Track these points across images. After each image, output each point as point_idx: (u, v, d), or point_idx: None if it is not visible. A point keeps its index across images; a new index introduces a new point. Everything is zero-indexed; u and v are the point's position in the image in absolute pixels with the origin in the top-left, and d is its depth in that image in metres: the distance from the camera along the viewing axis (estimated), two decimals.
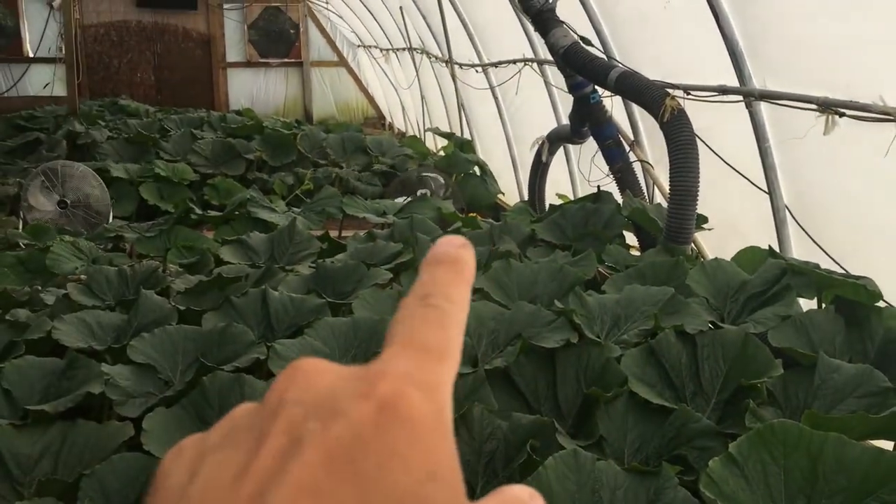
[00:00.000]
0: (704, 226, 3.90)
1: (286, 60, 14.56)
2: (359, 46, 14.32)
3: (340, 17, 13.87)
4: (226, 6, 14.01)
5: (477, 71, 7.55)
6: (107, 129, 9.30)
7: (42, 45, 13.41)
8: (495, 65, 7.00)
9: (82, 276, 3.91)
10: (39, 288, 3.88)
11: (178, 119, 9.86)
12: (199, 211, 5.80)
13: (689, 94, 3.94)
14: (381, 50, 12.46)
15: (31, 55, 13.50)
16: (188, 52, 14.17)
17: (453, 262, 0.38)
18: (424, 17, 8.99)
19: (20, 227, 6.32)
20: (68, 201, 6.54)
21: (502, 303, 3.23)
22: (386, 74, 12.79)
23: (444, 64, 8.74)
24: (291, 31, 14.44)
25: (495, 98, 7.40)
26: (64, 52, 11.40)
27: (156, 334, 3.04)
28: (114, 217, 6.89)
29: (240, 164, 8.49)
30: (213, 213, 6.05)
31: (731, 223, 4.27)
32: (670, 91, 3.74)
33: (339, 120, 13.54)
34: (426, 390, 0.33)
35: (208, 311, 3.34)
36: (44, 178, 6.60)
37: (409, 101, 11.91)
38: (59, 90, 12.68)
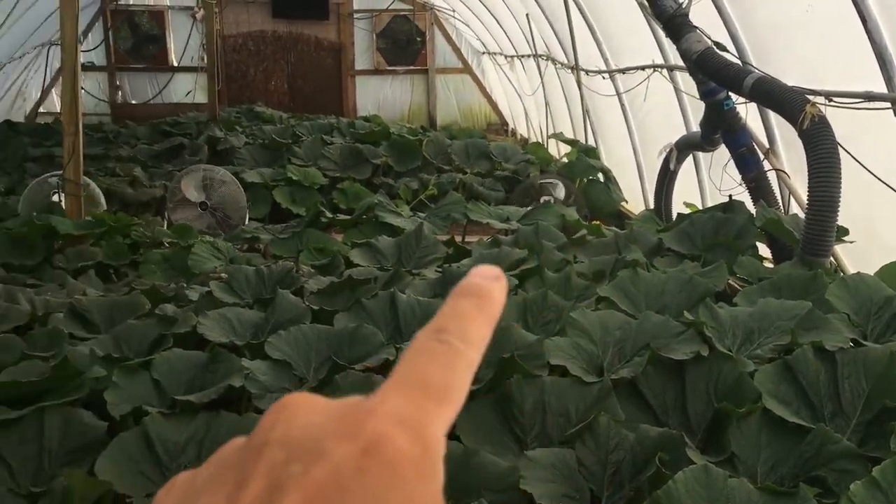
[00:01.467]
0: (845, 238, 3.72)
1: (412, 68, 14.84)
2: (483, 53, 14.43)
3: (466, 25, 14.02)
4: (356, 15, 14.44)
5: (604, 77, 7.47)
6: (244, 134, 9.76)
7: (185, 55, 14.22)
8: (623, 71, 6.91)
9: (223, 275, 4.13)
10: (184, 285, 4.13)
11: (309, 125, 10.24)
12: (329, 214, 6.00)
13: (831, 100, 3.77)
14: (506, 56, 12.52)
15: (175, 64, 14.34)
16: (320, 61, 14.68)
17: (479, 297, 0.37)
18: (551, 24, 8.98)
19: (165, 227, 6.73)
20: (209, 203, 6.91)
21: (629, 312, 3.19)
22: (510, 81, 12.83)
23: (569, 70, 8.70)
24: (418, 39, 14.72)
25: (622, 104, 7.30)
26: (205, 61, 12.06)
27: (291, 332, 3.17)
28: (249, 219, 7.22)
29: (367, 168, 8.73)
30: (342, 216, 6.24)
31: (874, 236, 4.06)
32: (811, 97, 3.59)
33: (462, 126, 13.67)
34: (414, 432, 0.32)
35: (340, 311, 3.46)
36: (187, 181, 7.00)
37: (532, 107, 11.91)
38: (201, 97, 13.41)
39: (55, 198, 6.00)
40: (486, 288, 0.37)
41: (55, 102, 14.12)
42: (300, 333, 3.18)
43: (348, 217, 6.18)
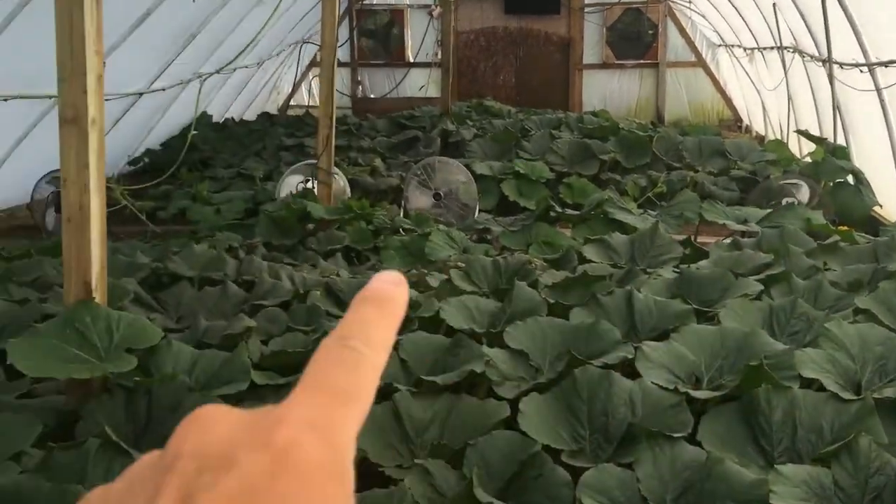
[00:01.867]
0: None
1: (641, 62, 14.51)
2: (719, 46, 13.80)
3: (703, 17, 13.47)
4: (587, 10, 14.34)
5: (861, 71, 6.89)
6: (474, 128, 10.04)
7: (421, 51, 14.85)
8: (886, 64, 6.33)
9: (460, 264, 4.30)
10: (425, 271, 4.34)
11: (538, 120, 10.34)
12: (558, 209, 6.04)
13: None
14: (745, 49, 11.88)
15: (411, 60, 15.02)
16: (548, 56, 14.75)
17: (381, 302, 0.38)
18: (801, 13, 8.40)
19: (401, 215, 7.10)
20: (441, 194, 7.20)
21: (892, 328, 2.95)
22: (748, 75, 12.17)
23: (819, 63, 8.10)
24: (649, 32, 14.36)
25: (881, 101, 6.69)
26: (440, 56, 12.52)
27: (528, 323, 3.25)
28: (478, 210, 7.43)
29: (594, 164, 8.66)
30: (570, 211, 6.26)
31: None
32: None
33: (691, 121, 13.18)
34: (323, 437, 0.32)
35: (574, 306, 3.49)
36: (422, 171, 7.34)
37: (771, 102, 11.22)
38: (433, 92, 13.94)
39: (308, 184, 6.53)
40: (389, 293, 0.38)
41: (304, 96, 15.34)
42: (537, 325, 3.25)
43: (576, 212, 6.19)
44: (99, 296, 2.88)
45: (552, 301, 3.57)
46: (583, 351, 3.05)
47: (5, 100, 6.55)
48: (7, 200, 7.70)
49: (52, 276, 4.26)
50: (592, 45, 14.61)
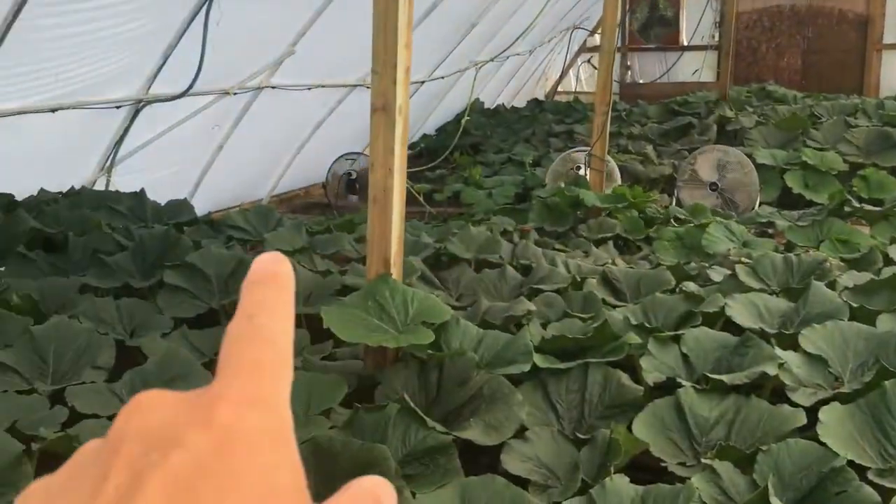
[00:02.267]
0: None
1: None
2: None
3: None
4: None
5: None
6: (754, 114, 9.45)
7: (696, 34, 14.24)
8: None
9: (744, 259, 4.07)
10: (705, 264, 4.17)
11: (828, 106, 9.49)
12: (855, 203, 5.51)
13: None
14: None
15: (685, 44, 14.46)
16: (841, 35, 13.49)
17: (272, 279, 0.38)
18: None
19: (672, 204, 6.88)
20: (719, 184, 6.86)
21: None
22: None
23: None
24: None
25: None
26: (717, 39, 11.90)
27: (827, 327, 3.01)
28: (759, 203, 7.00)
29: (894, 155, 7.81)
30: (868, 206, 5.69)
31: None
32: None
33: None
34: (263, 407, 0.33)
35: (881, 312, 3.17)
36: (699, 160, 7.04)
37: None
38: (706, 76, 13.32)
39: (580, 171, 6.53)
40: (274, 270, 0.39)
41: (571, 82, 15.37)
42: (837, 330, 3.00)
43: (876, 208, 5.61)
44: (396, 272, 3.08)
45: (854, 305, 3.27)
46: (893, 362, 2.77)
47: (308, 89, 7.24)
48: (305, 179, 8.55)
49: (349, 250, 4.65)
50: None
